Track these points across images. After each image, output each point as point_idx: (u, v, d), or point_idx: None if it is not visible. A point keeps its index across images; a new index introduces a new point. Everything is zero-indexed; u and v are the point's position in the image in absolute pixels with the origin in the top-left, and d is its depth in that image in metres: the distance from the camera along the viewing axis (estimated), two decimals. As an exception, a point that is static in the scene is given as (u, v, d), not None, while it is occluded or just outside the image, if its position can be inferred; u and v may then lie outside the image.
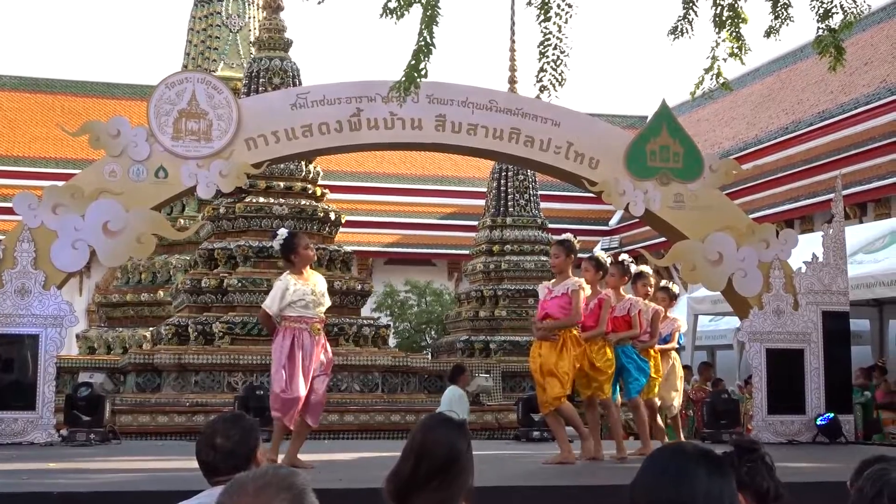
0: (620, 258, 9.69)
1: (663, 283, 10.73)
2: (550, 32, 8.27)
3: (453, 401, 13.68)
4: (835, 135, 27.22)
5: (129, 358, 16.37)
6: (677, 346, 10.82)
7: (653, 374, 9.60)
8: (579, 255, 9.10)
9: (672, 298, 10.54)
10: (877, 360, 16.19)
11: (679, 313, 11.78)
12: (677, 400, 10.62)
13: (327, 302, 8.43)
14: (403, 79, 8.11)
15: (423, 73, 8.01)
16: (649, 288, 9.75)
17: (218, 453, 3.30)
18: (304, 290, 8.14)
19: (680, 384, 10.64)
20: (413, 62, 7.95)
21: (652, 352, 9.63)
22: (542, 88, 8.26)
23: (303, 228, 17.28)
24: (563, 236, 9.02)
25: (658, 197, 11.37)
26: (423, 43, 7.89)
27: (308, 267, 8.39)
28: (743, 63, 9.62)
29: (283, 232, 8.57)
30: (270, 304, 8.15)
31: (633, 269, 9.70)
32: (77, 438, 10.47)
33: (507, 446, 11.90)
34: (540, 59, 8.22)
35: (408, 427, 13.88)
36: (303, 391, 7.95)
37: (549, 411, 8.70)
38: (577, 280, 8.70)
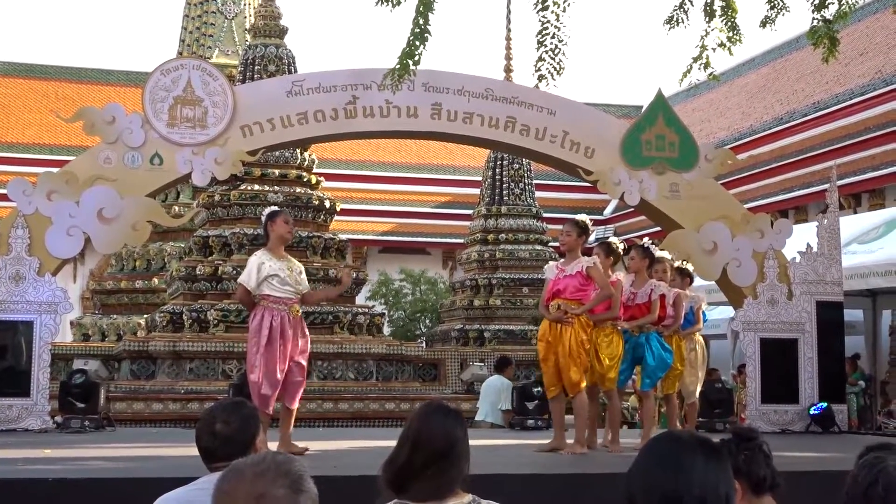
0: (642, 241, 9.57)
1: (678, 263, 10.39)
2: (548, 21, 8.22)
3: (501, 390, 13.71)
4: (829, 125, 27.23)
5: (124, 345, 16.38)
6: (702, 327, 10.59)
7: (677, 365, 9.40)
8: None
9: (686, 277, 10.36)
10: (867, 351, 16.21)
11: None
12: (695, 387, 10.50)
13: (305, 283, 8.17)
14: (397, 65, 8.07)
15: (417, 59, 7.97)
16: (666, 272, 9.43)
17: (217, 439, 3.31)
18: (278, 265, 7.95)
19: (701, 371, 10.42)
20: (407, 49, 7.92)
21: (675, 339, 9.42)
22: (541, 77, 8.22)
23: (298, 216, 17.28)
24: (577, 216, 8.81)
25: (653, 186, 11.37)
26: (417, 30, 7.85)
27: (283, 249, 8.21)
28: (731, 54, 9.58)
29: (270, 207, 8.48)
30: (247, 278, 7.92)
31: (657, 253, 9.48)
32: (71, 425, 10.45)
33: (502, 434, 11.93)
34: (538, 48, 8.17)
35: (402, 415, 13.90)
36: (280, 376, 7.84)
37: (555, 395, 8.57)
38: (591, 258, 8.49)
